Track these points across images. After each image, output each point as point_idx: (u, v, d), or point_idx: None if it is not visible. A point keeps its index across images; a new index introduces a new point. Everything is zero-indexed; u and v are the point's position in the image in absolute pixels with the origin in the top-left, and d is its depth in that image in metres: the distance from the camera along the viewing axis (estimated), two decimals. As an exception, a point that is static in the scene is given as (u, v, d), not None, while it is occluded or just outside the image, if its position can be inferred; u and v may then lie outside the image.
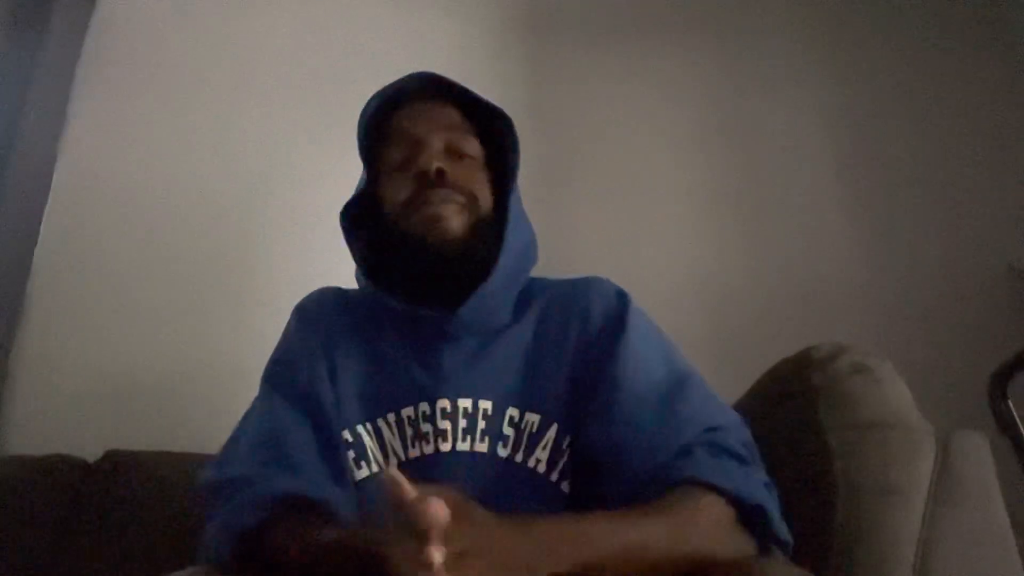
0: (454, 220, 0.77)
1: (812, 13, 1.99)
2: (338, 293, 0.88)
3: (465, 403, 0.74)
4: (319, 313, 0.84)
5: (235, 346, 1.45)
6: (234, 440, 0.76)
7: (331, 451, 0.73)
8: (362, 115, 0.85)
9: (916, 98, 1.87)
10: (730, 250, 1.83)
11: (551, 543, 0.53)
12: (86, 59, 1.48)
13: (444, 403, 0.74)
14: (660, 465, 0.66)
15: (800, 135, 1.90)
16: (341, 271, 0.90)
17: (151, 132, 1.52)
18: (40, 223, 1.38)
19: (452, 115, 0.84)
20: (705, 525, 0.61)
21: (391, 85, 0.85)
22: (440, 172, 0.77)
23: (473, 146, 0.83)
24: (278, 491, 0.67)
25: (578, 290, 0.82)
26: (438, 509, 0.44)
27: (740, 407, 0.93)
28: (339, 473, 0.71)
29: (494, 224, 0.80)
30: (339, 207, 0.84)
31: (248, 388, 0.80)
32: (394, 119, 0.84)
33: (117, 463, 1.19)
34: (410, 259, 0.77)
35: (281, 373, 0.79)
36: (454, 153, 0.81)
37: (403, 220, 0.78)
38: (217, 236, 1.53)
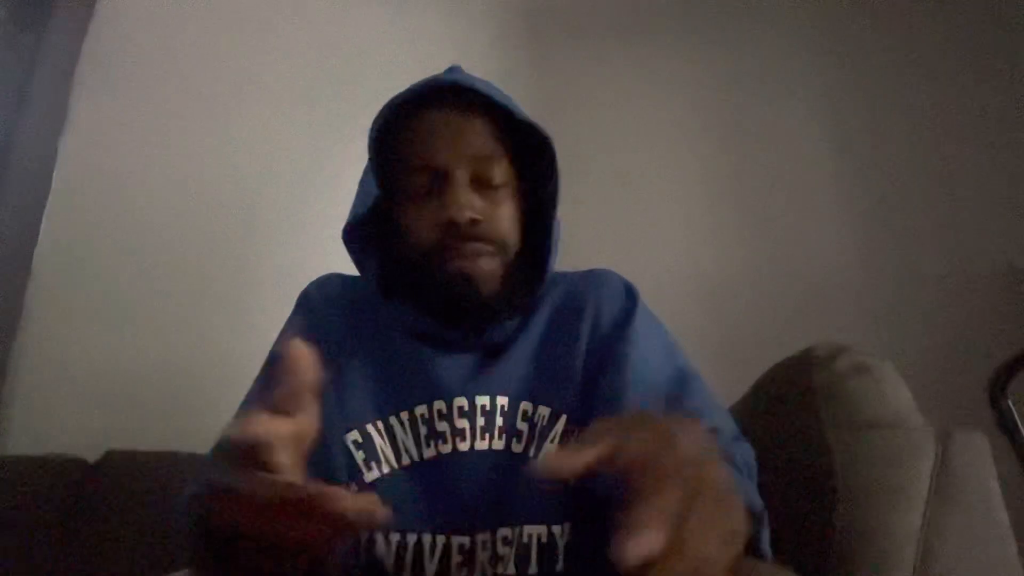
0: (486, 277, 0.73)
1: (811, 13, 1.99)
2: (345, 282, 0.84)
3: (483, 400, 0.73)
4: (323, 303, 0.81)
5: (235, 346, 1.45)
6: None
7: (320, 455, 0.66)
8: (374, 125, 0.76)
9: (916, 97, 1.87)
10: (730, 249, 1.83)
11: None
12: (86, 59, 1.48)
13: (461, 401, 0.72)
14: None
15: (800, 134, 1.90)
16: (342, 272, 0.89)
17: (151, 132, 1.52)
18: (40, 223, 1.38)
19: (479, 130, 0.74)
20: None
21: (409, 91, 0.74)
22: (472, 223, 0.71)
23: (503, 171, 0.75)
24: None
25: (589, 284, 0.81)
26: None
27: (740, 407, 0.93)
28: (327, 477, 0.67)
29: (523, 253, 0.78)
30: (338, 207, 0.83)
31: (248, 388, 0.80)
32: (412, 132, 0.74)
33: (117, 463, 1.19)
34: (436, 300, 0.73)
35: (275, 369, 0.76)
36: (483, 183, 0.74)
37: (428, 264, 0.73)
38: (216, 236, 1.53)
